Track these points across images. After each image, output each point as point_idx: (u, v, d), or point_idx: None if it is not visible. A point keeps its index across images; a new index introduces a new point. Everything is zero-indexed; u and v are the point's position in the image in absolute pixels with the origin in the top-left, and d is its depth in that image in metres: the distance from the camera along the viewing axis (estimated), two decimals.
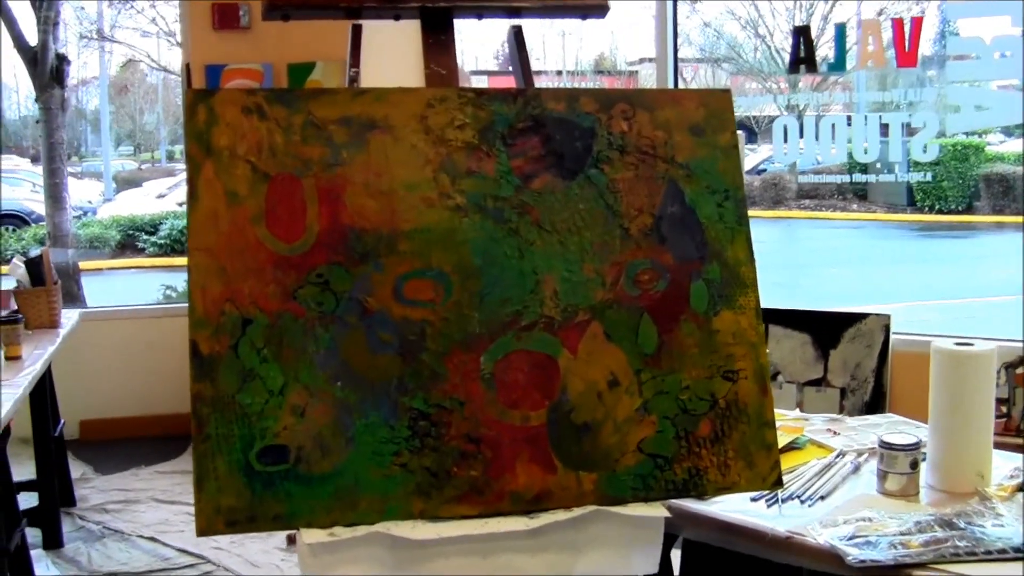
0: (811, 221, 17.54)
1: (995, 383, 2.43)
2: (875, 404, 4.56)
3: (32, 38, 9.30)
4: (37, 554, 4.63)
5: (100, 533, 4.93)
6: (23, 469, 4.91)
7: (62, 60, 9.20)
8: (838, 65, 5.43)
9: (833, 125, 5.39)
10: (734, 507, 2.29)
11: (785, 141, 5.39)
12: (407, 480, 2.04)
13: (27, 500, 4.78)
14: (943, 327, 9.04)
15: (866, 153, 5.21)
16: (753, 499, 2.32)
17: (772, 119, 5.72)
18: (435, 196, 2.14)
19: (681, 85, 14.41)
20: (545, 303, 2.13)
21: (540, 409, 2.10)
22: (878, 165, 5.63)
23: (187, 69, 6.03)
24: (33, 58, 9.22)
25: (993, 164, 16.97)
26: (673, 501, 2.22)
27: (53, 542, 4.74)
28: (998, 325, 9.12)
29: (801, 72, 5.39)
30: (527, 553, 2.04)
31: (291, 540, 1.97)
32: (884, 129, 5.31)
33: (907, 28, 5.08)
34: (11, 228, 13.93)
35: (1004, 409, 5.10)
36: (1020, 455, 2.63)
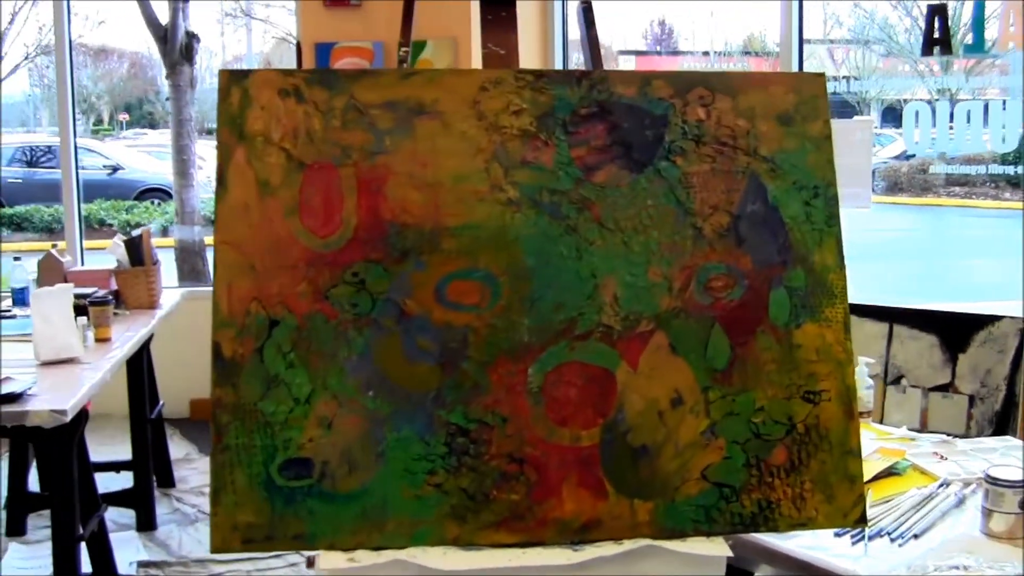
0: (960, 209, 16.91)
1: None
2: (1006, 415, 4.23)
3: (163, 16, 9.33)
4: (129, 536, 4.59)
5: (194, 516, 4.86)
6: (122, 448, 4.86)
7: (192, 37, 9.20)
8: (976, 47, 5.07)
9: (969, 111, 5.05)
10: (815, 543, 2.05)
11: (917, 125, 5.07)
12: (441, 502, 1.85)
13: (124, 481, 4.74)
14: None
15: (1004, 142, 4.87)
16: (837, 534, 2.07)
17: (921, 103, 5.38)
18: (486, 189, 1.94)
19: (831, 69, 13.94)
20: (604, 310, 1.92)
21: (593, 428, 1.89)
22: None
23: (298, 47, 5.92)
24: (164, 36, 9.25)
25: None
26: (752, 535, 2.00)
27: (147, 524, 4.69)
28: None
29: (936, 55, 5.04)
30: None
31: (311, 563, 1.80)
32: None
33: None
34: (155, 202, 14.11)
35: None
36: None
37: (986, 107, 5.08)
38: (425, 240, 1.90)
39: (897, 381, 4.44)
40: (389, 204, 1.91)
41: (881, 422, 3.53)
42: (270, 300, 1.87)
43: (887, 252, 14.18)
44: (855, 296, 4.71)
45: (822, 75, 2.11)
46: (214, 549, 1.83)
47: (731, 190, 1.99)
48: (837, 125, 5.05)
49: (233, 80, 1.95)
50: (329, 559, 1.80)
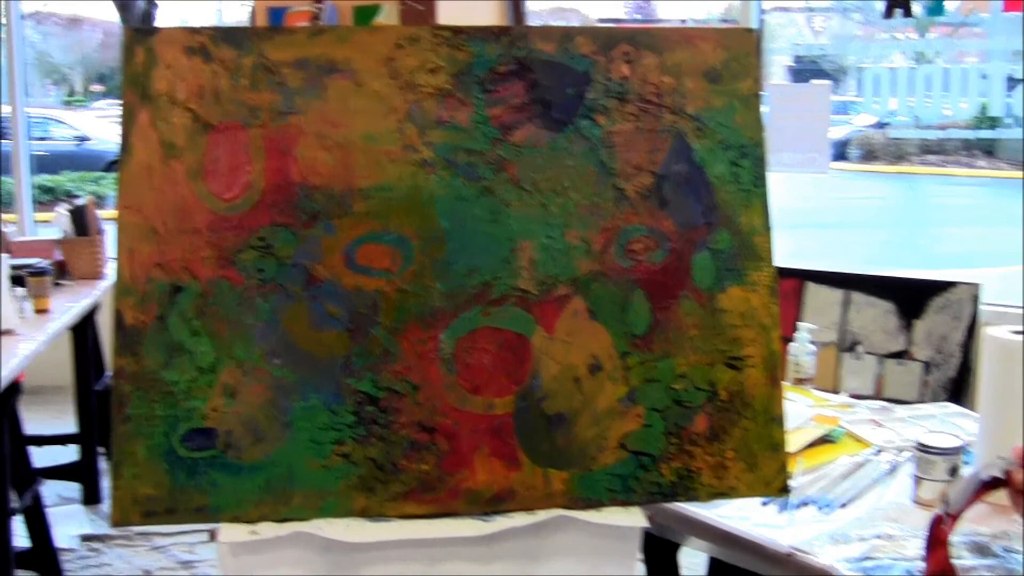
0: (934, 178, 16.91)
1: None
2: (961, 382, 4.19)
3: None
4: (75, 510, 4.52)
5: None
6: (71, 421, 4.79)
7: (151, 4, 9.07)
8: (936, 10, 5.01)
9: (929, 76, 4.99)
10: (741, 513, 2.00)
11: (877, 93, 5.02)
12: (349, 473, 1.78)
13: (72, 454, 4.67)
14: None
15: (984, 110, 4.82)
16: (764, 503, 2.02)
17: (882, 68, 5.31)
18: (398, 150, 1.87)
19: (810, 37, 13.85)
20: (520, 274, 1.85)
21: (507, 396, 1.83)
22: (1008, 121, 5.23)
23: (252, 13, 5.80)
24: (124, 2, 9.12)
25: None
26: (675, 505, 1.95)
27: (92, 497, 4.62)
28: None
29: (897, 17, 4.97)
30: (478, 562, 1.77)
31: (213, 536, 1.74)
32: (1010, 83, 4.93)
33: None
34: None
35: None
36: None
37: (962, 73, 5.02)
38: (335, 203, 1.84)
39: (852, 348, 4.40)
40: (298, 166, 1.84)
41: (836, 391, 3.49)
42: (173, 266, 1.81)
43: (861, 220, 14.17)
44: (821, 263, 4.67)
45: (752, 31, 2.05)
46: (114, 523, 1.77)
47: (655, 150, 1.92)
48: (795, 90, 4.99)
49: (137, 39, 1.87)
50: (231, 532, 1.74)
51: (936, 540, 1.34)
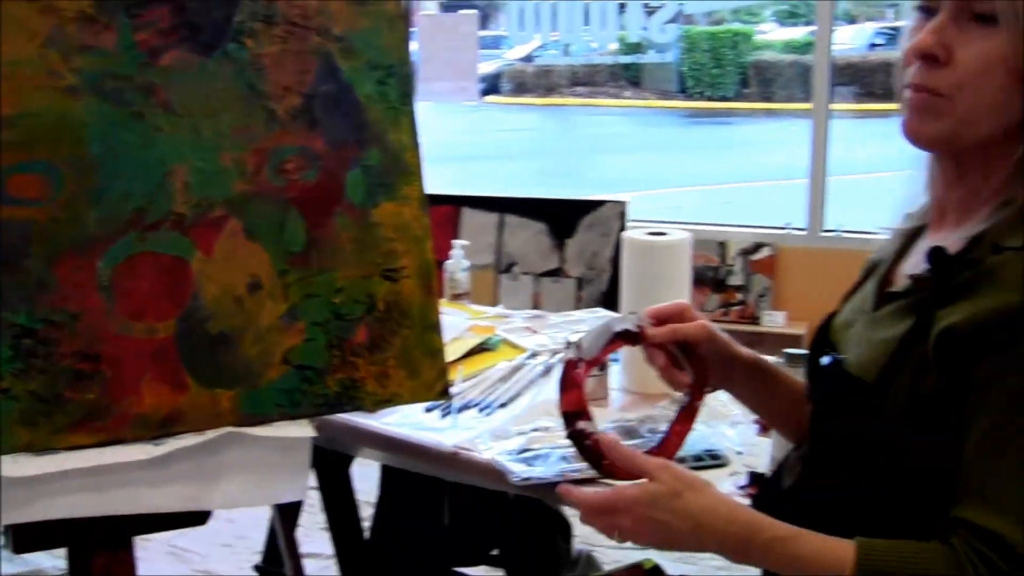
0: (584, 108, 17.53)
1: (690, 274, 2.27)
2: (613, 293, 4.43)
3: None
4: None
5: None
6: None
7: None
8: None
9: (572, 8, 5.19)
10: (406, 420, 2.08)
11: (523, 27, 5.19)
12: (10, 408, 1.75)
13: None
14: (702, 214, 9.08)
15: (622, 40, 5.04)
16: (427, 410, 2.11)
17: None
18: (43, 76, 1.82)
19: None
20: (174, 198, 1.85)
21: (168, 320, 1.83)
22: (652, 52, 5.49)
23: None
24: None
25: (762, 52, 17.22)
26: (343, 417, 2.01)
27: None
28: (755, 211, 9.20)
29: None
30: (153, 486, 1.78)
31: None
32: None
33: None
34: None
35: (740, 296, 5.06)
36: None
37: (601, 6, 5.24)
38: None
39: (509, 269, 4.58)
40: None
41: None
42: None
43: (514, 152, 14.54)
44: (473, 190, 4.80)
45: None
46: None
47: (303, 71, 1.95)
48: (442, 20, 5.09)
49: None
50: None
51: (570, 382, 1.46)
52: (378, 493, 2.73)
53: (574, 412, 1.51)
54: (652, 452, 1.46)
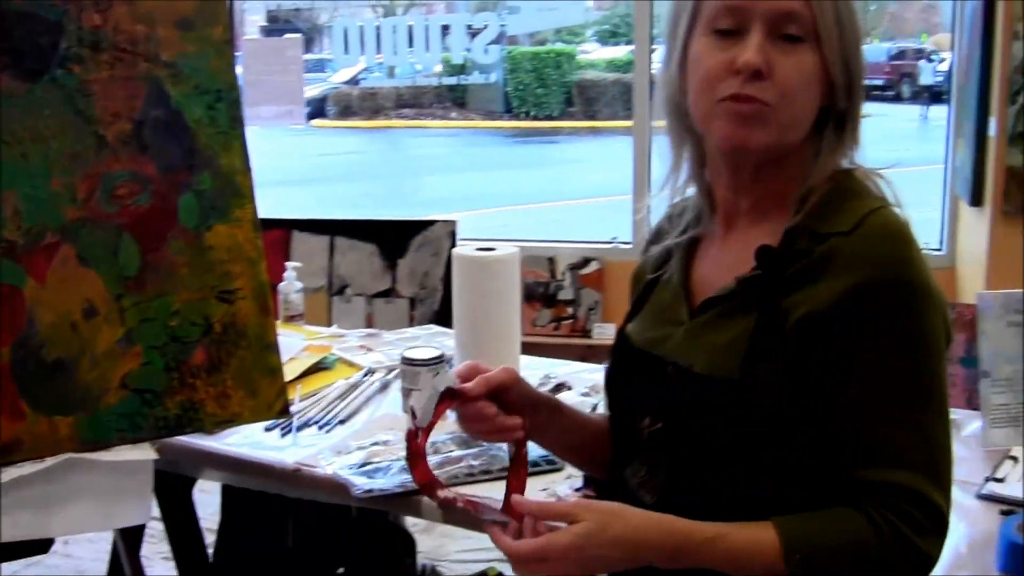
0: (410, 130, 17.57)
1: (518, 288, 2.33)
2: (445, 312, 4.47)
3: None
4: None
5: None
6: None
7: None
8: None
9: (396, 29, 5.24)
10: (248, 440, 2.10)
11: (349, 50, 5.23)
12: None
13: None
14: (530, 231, 9.21)
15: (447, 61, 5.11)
16: (267, 429, 2.13)
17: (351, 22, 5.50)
18: None
19: None
20: (5, 225, 1.85)
21: (3, 348, 1.82)
22: (476, 72, 5.56)
23: None
24: None
25: (585, 71, 17.49)
26: (184, 439, 2.01)
27: None
28: (582, 227, 9.37)
29: None
30: None
31: None
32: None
33: None
34: None
35: (570, 310, 5.16)
36: (551, 359, 2.58)
37: (425, 28, 5.29)
38: None
39: (342, 291, 4.59)
40: None
41: None
42: None
43: (342, 175, 14.50)
44: (301, 214, 4.80)
45: None
46: None
47: (133, 97, 1.96)
48: (267, 44, 5.09)
49: None
50: None
51: (414, 455, 1.46)
52: (220, 516, 2.72)
53: (427, 484, 1.52)
54: (503, 510, 1.46)
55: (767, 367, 1.36)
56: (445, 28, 5.35)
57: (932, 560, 1.31)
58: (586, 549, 1.32)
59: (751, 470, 1.37)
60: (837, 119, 1.43)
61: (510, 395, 1.51)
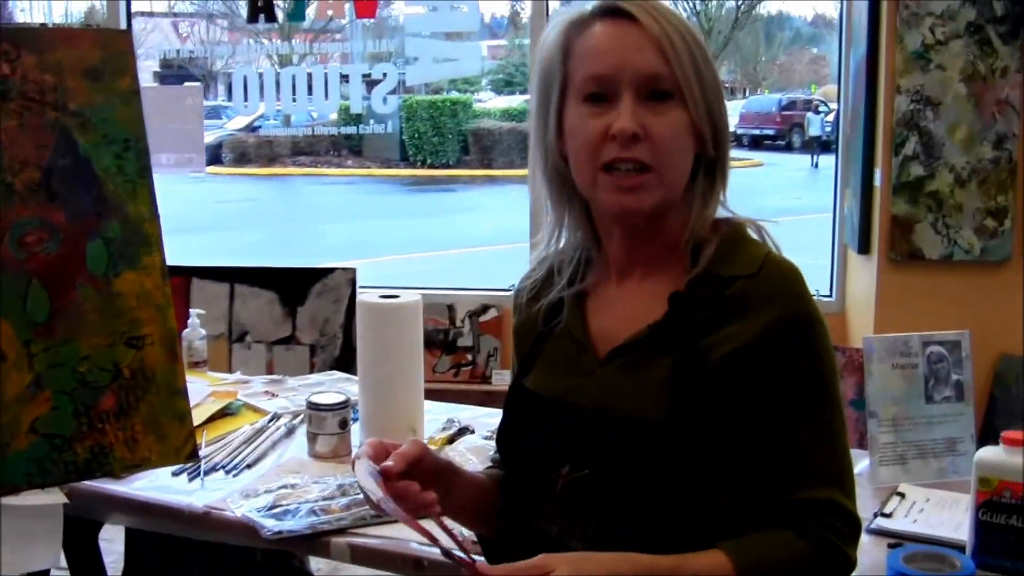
0: (307, 178, 17.55)
1: (421, 334, 2.39)
2: (345, 359, 4.52)
3: None
4: None
5: None
6: None
7: None
8: (296, 15, 5.35)
9: (294, 78, 5.28)
10: (156, 484, 2.12)
11: (246, 97, 5.26)
12: None
13: None
14: (429, 279, 9.26)
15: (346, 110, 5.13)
16: (175, 474, 2.16)
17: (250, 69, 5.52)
18: None
19: (176, 42, 13.84)
20: None
21: None
22: (373, 122, 5.60)
23: None
24: None
25: (481, 119, 17.62)
26: (92, 483, 2.03)
27: None
28: (480, 274, 9.46)
29: (262, 22, 5.21)
30: None
31: None
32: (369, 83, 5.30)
33: None
34: None
35: (470, 357, 5.22)
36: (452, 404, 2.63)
37: (324, 75, 5.33)
38: None
39: (242, 338, 4.61)
40: None
41: None
42: None
43: (235, 222, 14.43)
44: (198, 261, 4.80)
45: (127, 32, 2.17)
46: None
47: (41, 145, 1.98)
48: (167, 92, 5.11)
49: None
50: None
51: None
52: (124, 564, 2.73)
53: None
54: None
55: (691, 404, 1.44)
56: (344, 78, 5.40)
57: (854, 562, 1.46)
58: None
59: (683, 502, 1.44)
60: (708, 167, 1.53)
61: (422, 466, 1.53)
